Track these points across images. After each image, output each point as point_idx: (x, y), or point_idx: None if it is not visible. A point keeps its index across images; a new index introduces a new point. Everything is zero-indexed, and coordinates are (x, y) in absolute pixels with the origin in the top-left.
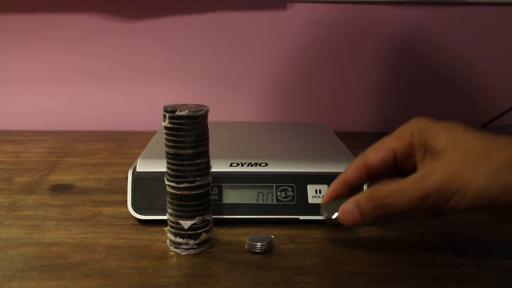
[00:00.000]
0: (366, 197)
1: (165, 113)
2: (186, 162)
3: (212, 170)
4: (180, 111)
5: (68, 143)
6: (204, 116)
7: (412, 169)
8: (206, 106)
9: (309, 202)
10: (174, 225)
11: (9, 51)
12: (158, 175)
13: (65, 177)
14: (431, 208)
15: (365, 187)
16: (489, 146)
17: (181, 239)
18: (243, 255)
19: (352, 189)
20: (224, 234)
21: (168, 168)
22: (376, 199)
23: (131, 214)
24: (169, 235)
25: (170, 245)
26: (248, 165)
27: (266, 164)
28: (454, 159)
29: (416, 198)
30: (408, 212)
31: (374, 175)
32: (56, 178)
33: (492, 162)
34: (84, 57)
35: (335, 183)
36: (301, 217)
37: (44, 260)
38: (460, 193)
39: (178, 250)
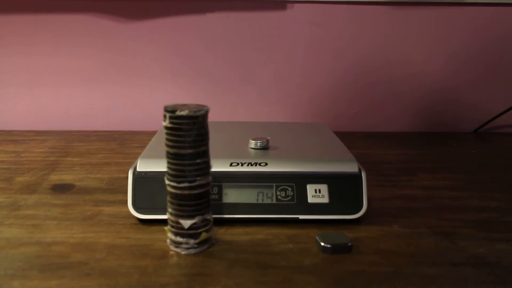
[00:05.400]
0: None
1: (165, 113)
2: (186, 162)
3: (212, 169)
4: (180, 111)
5: (69, 142)
6: (204, 116)
7: None
8: (206, 106)
9: (309, 201)
10: (174, 224)
11: (11, 52)
12: (159, 175)
13: (65, 177)
14: None
15: None
16: None
17: (181, 239)
18: (243, 254)
19: None
20: (224, 234)
21: (168, 167)
22: None
23: (131, 214)
24: (170, 235)
25: (171, 245)
26: (248, 165)
27: (266, 164)
28: None
29: None
30: None
31: None
32: (56, 177)
33: None
34: (85, 58)
35: None
36: (300, 217)
37: (45, 259)
38: None
39: (178, 250)
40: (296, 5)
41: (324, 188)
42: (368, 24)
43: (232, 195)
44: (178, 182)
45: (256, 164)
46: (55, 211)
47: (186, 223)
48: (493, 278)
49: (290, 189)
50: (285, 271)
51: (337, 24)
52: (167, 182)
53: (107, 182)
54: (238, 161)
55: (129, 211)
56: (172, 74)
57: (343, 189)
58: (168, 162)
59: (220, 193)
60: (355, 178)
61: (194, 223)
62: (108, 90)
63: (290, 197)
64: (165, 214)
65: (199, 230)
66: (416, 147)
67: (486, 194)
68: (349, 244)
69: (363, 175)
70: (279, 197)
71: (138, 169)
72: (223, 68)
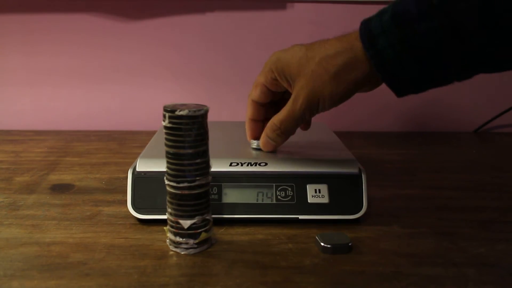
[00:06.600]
0: (269, 129)
1: (165, 112)
2: (186, 162)
3: (212, 169)
4: (180, 111)
5: (68, 142)
6: (204, 115)
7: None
8: (206, 106)
9: (309, 201)
10: (174, 224)
11: (10, 52)
12: (158, 175)
13: (65, 177)
14: (310, 117)
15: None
16: (324, 60)
17: (181, 239)
18: (243, 254)
19: (261, 120)
20: (224, 234)
21: (168, 167)
22: (275, 129)
23: (131, 214)
24: (169, 235)
25: (170, 245)
26: (247, 165)
27: (266, 164)
28: (306, 79)
29: (297, 116)
30: (299, 123)
31: (266, 106)
32: (56, 177)
33: (330, 71)
34: (84, 57)
35: (248, 122)
36: (300, 217)
37: (44, 259)
38: (322, 100)
39: (178, 250)
40: (296, 4)
41: (324, 188)
42: None
43: (231, 195)
44: (178, 182)
45: (256, 164)
46: (54, 211)
47: (186, 223)
48: (494, 278)
49: (290, 189)
50: (285, 271)
51: (337, 24)
52: (166, 182)
53: (106, 182)
54: (238, 161)
55: (128, 211)
56: (171, 74)
57: (343, 189)
58: (168, 162)
59: (219, 193)
60: (355, 178)
61: (194, 223)
62: (107, 89)
63: (290, 197)
64: (165, 214)
65: (199, 230)
66: (416, 147)
67: (486, 194)
68: (349, 244)
69: (363, 175)
70: (279, 197)
71: (137, 169)
72: (223, 67)
